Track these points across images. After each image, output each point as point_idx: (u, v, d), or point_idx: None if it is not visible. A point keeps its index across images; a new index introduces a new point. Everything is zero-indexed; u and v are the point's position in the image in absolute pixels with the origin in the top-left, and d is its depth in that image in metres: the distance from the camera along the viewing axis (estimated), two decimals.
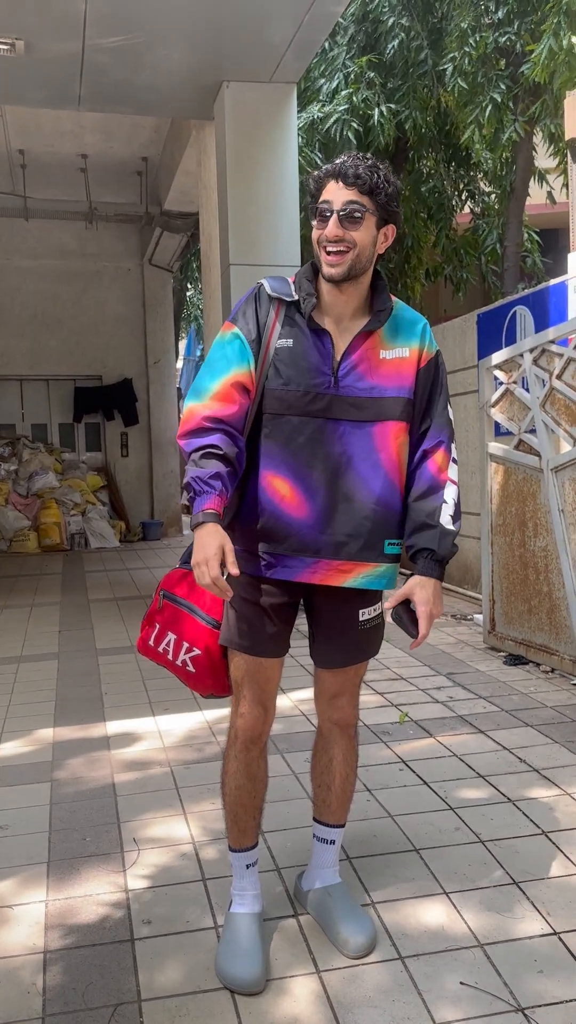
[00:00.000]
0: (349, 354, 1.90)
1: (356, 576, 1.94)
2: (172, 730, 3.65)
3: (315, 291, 1.92)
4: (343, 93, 7.20)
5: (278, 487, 1.91)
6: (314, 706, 2.17)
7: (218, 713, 3.79)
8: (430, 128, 7.84)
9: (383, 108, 7.21)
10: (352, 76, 7.35)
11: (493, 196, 8.49)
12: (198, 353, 20.55)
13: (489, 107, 6.90)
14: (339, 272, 1.84)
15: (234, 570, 1.76)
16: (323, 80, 7.61)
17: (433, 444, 1.97)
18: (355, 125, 7.16)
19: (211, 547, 1.75)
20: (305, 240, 6.21)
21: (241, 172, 5.71)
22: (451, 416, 2.01)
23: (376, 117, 7.17)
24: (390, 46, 7.41)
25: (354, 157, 1.86)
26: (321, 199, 1.86)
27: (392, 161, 8.33)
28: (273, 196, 5.72)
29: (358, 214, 1.82)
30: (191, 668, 2.02)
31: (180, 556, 2.18)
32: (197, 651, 2.00)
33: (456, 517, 1.96)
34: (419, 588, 1.92)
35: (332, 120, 7.08)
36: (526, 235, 8.19)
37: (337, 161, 1.87)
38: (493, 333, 6.11)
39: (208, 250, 6.68)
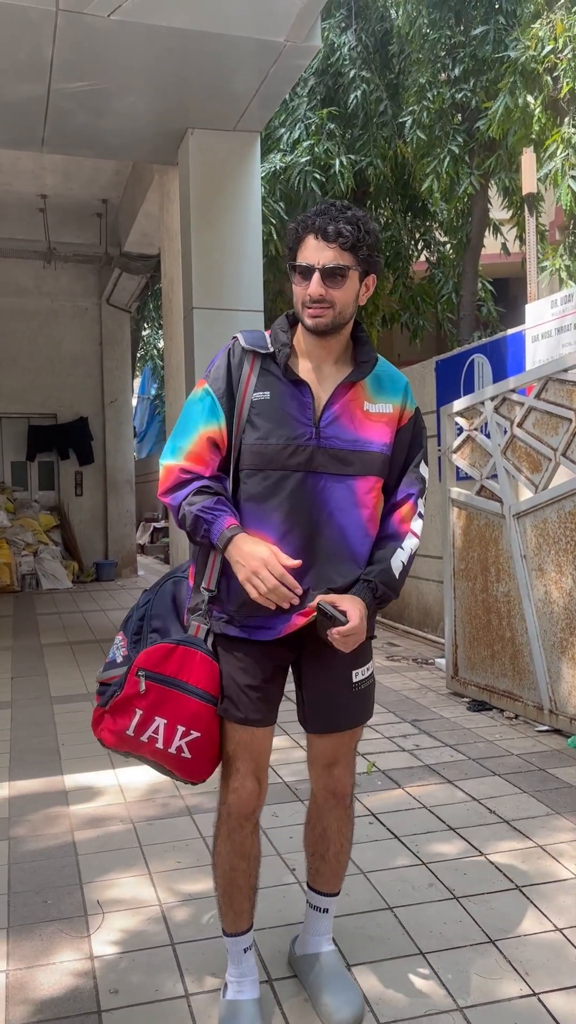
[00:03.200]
0: (331, 404, 1.87)
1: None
2: (134, 784, 3.55)
3: (290, 342, 1.89)
4: (305, 144, 7.35)
5: None
6: (307, 772, 2.10)
7: None
8: (388, 179, 8.03)
9: (343, 159, 7.37)
10: (313, 127, 7.52)
11: (449, 246, 8.70)
12: (152, 391, 20.59)
13: (447, 159, 7.10)
14: (322, 323, 1.82)
15: (291, 562, 1.77)
16: (283, 130, 7.76)
17: (402, 497, 1.96)
18: (318, 176, 7.29)
19: (261, 550, 1.75)
20: (268, 285, 6.28)
21: (205, 218, 5.76)
22: (424, 472, 1.99)
23: (337, 167, 7.31)
24: (352, 96, 7.60)
25: (331, 208, 1.80)
26: (300, 258, 1.81)
27: None
28: (236, 242, 5.78)
29: (341, 274, 1.79)
30: (187, 754, 1.87)
31: (130, 614, 2.00)
32: (196, 733, 1.85)
33: (403, 571, 1.91)
34: (352, 599, 1.83)
35: (296, 172, 7.20)
36: (481, 285, 8.40)
37: (313, 212, 1.82)
38: (452, 379, 6.21)
39: (170, 293, 6.70)
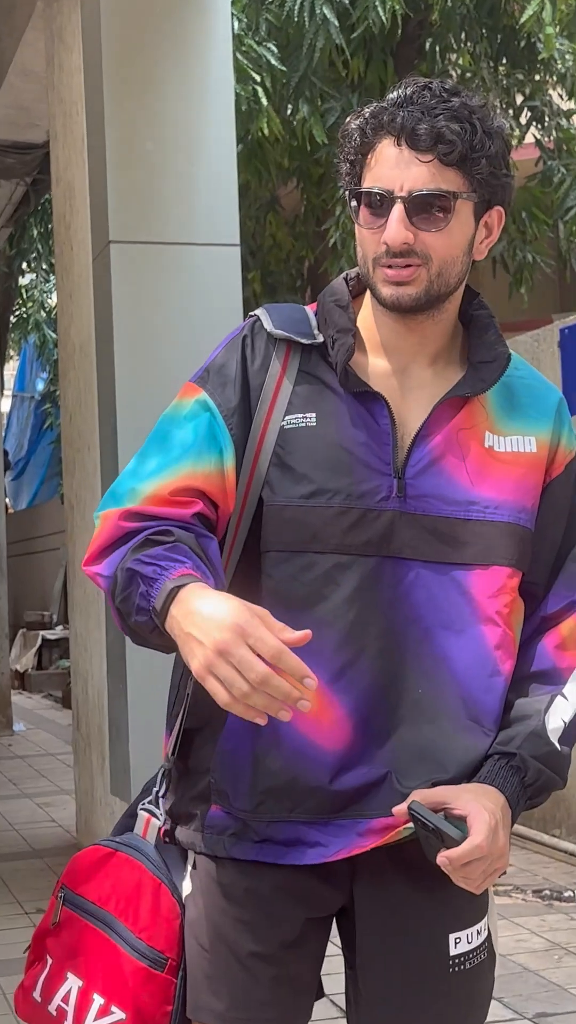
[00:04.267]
0: (427, 437, 1.93)
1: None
2: None
3: (353, 326, 1.96)
4: None
5: None
6: None
7: None
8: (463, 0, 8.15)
9: None
10: None
11: None
12: (39, 386, 20.77)
13: None
14: (410, 296, 1.87)
15: (293, 635, 1.61)
16: None
17: (560, 607, 2.04)
18: None
19: (228, 608, 1.63)
20: (247, 194, 6.30)
21: (129, 77, 5.80)
22: None
23: None
24: None
25: (423, 92, 1.84)
26: (369, 179, 1.88)
27: (395, 57, 8.59)
28: (189, 123, 5.81)
29: (442, 206, 1.84)
30: None
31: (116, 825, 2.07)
32: (119, 1014, 1.87)
33: (568, 735, 1.98)
34: (479, 793, 1.86)
35: None
36: None
37: (393, 100, 1.86)
38: None
39: (68, 214, 6.75)
